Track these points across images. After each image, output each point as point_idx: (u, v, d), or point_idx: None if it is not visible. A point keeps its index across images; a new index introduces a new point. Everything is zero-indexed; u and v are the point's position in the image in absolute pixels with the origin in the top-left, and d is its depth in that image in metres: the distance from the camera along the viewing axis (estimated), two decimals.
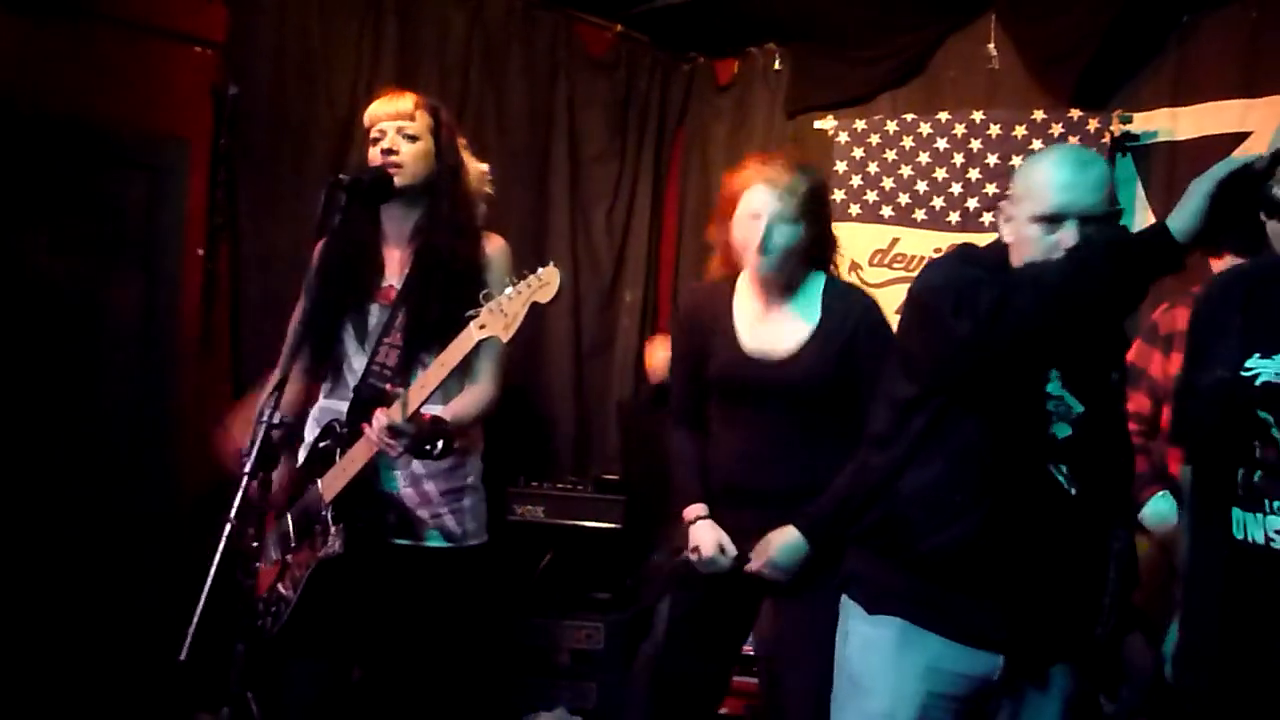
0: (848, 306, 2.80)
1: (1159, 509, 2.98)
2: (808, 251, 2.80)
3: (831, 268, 2.92)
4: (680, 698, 2.98)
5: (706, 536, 2.83)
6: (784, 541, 2.72)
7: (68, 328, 3.73)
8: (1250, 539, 1.97)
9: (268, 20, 4.08)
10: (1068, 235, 2.06)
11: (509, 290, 2.36)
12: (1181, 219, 1.84)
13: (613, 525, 4.36)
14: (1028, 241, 2.11)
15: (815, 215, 2.80)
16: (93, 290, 3.81)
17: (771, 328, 2.83)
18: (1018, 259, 2.15)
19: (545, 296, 2.34)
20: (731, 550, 2.81)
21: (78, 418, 3.75)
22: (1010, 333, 1.93)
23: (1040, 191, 2.10)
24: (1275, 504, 1.95)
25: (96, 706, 3.63)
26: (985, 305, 1.92)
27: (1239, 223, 1.86)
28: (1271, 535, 1.95)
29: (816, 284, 2.84)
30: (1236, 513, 1.99)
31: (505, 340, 2.38)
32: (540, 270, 2.36)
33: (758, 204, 2.74)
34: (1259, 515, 1.96)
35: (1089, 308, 1.94)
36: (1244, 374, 1.96)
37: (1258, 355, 1.96)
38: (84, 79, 3.67)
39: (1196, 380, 2.08)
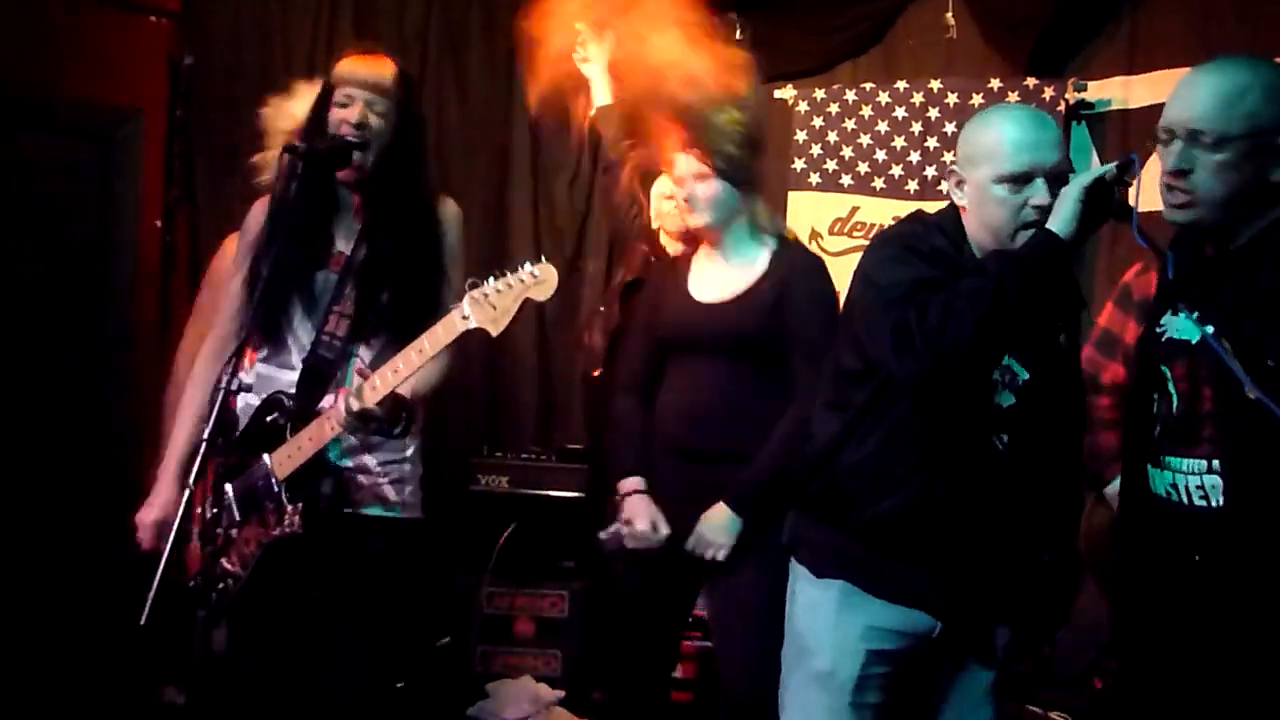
0: (791, 265, 2.85)
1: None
2: (741, 200, 2.84)
3: (787, 231, 2.95)
4: (633, 663, 3.03)
5: (641, 511, 2.86)
6: (716, 519, 2.76)
7: (21, 301, 3.70)
8: (1156, 493, 2.05)
9: None
10: (1037, 194, 2.10)
11: (496, 282, 2.24)
12: (1061, 223, 2.02)
13: (576, 494, 4.37)
14: (992, 202, 2.14)
15: (740, 166, 2.83)
16: (47, 264, 3.77)
17: (718, 277, 2.88)
18: (976, 222, 2.19)
19: (541, 294, 2.21)
20: (664, 529, 2.84)
21: (33, 392, 3.72)
22: (951, 363, 2.01)
23: (1002, 152, 2.12)
24: (1169, 459, 2.03)
25: (63, 684, 3.62)
26: (922, 342, 2.00)
27: (1102, 224, 2.07)
28: (1168, 490, 2.02)
29: (768, 244, 2.88)
30: (1150, 469, 2.07)
31: (494, 335, 2.26)
32: (534, 266, 2.21)
33: (679, 169, 2.81)
34: (1160, 470, 2.04)
35: (1013, 319, 2.04)
36: (1156, 329, 2.05)
37: (1169, 312, 2.04)
38: (37, 49, 3.63)
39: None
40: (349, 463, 2.55)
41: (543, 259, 2.23)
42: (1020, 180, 2.11)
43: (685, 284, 2.92)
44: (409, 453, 2.63)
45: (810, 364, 2.61)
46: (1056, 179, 2.11)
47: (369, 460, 2.56)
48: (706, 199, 2.81)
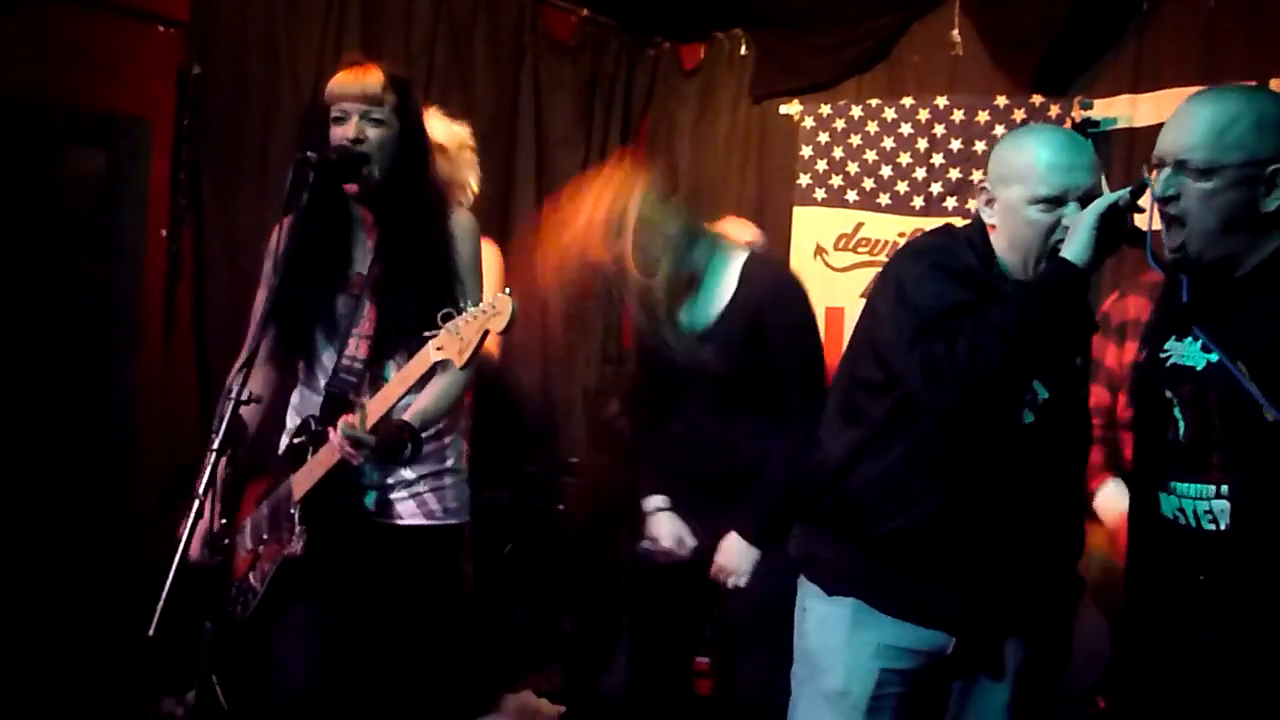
0: (758, 281, 2.81)
1: (1108, 495, 2.95)
2: (686, 239, 2.82)
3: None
4: (649, 676, 3.04)
5: (665, 528, 2.90)
6: (733, 550, 2.78)
7: (27, 311, 3.69)
8: (1164, 515, 2.05)
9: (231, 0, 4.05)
10: (1070, 216, 2.10)
11: (467, 313, 2.33)
12: (1077, 250, 2.03)
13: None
14: (1023, 223, 2.13)
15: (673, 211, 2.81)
16: (53, 273, 3.76)
17: (692, 305, 2.85)
18: (1005, 241, 2.18)
19: (497, 326, 2.30)
20: (690, 541, 2.88)
21: (37, 403, 3.71)
22: (980, 396, 2.02)
23: (1036, 173, 2.12)
24: (1174, 484, 2.03)
25: (60, 694, 3.61)
26: (951, 378, 1.99)
27: (1116, 249, 2.07)
28: (1175, 513, 2.02)
29: (733, 262, 2.85)
30: (1159, 493, 2.06)
31: (460, 366, 2.34)
32: (495, 298, 2.32)
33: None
34: (1166, 495, 2.04)
35: (1039, 349, 2.04)
36: (1161, 354, 2.05)
37: (1174, 338, 2.04)
38: (45, 57, 3.61)
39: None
40: (388, 478, 2.59)
41: (507, 291, 2.32)
42: (1053, 202, 2.10)
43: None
44: (449, 463, 2.67)
45: (802, 391, 2.69)
46: (1089, 201, 2.09)
47: (407, 473, 2.60)
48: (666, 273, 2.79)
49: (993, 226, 2.20)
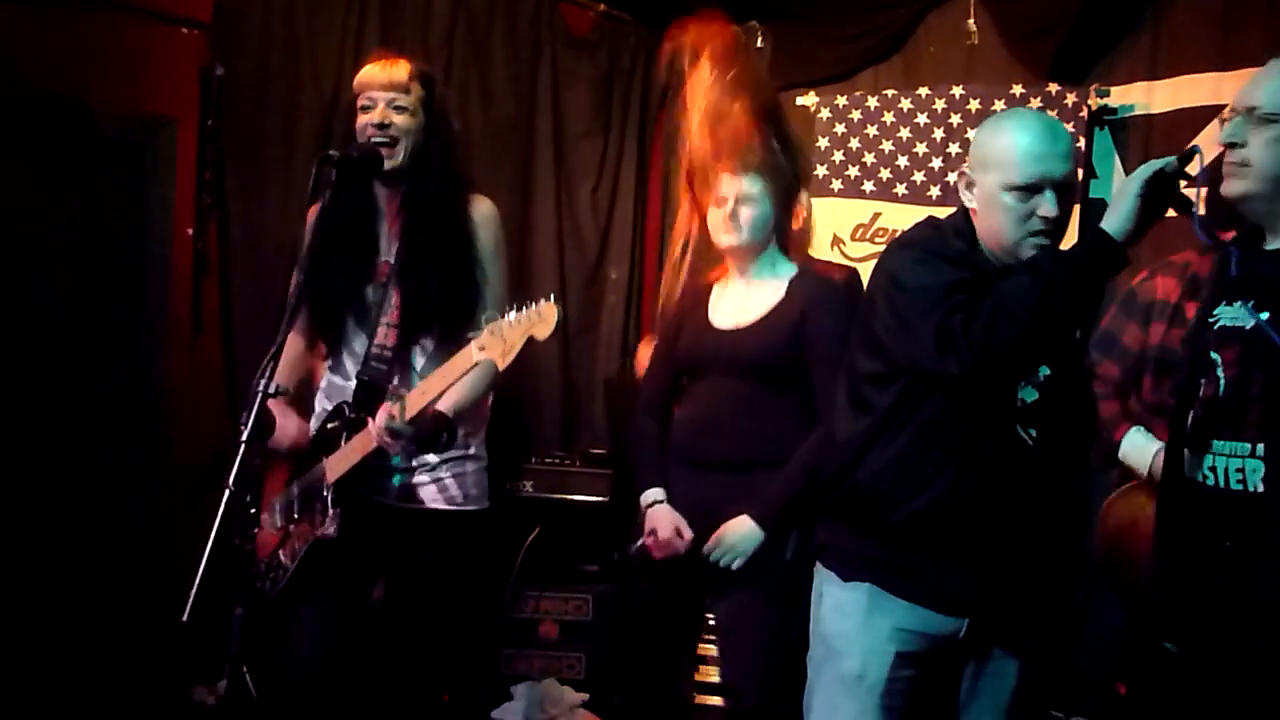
0: (808, 286, 2.93)
1: (1135, 442, 2.91)
2: (775, 225, 2.96)
3: (802, 257, 3.08)
4: (648, 670, 3.08)
5: (663, 520, 2.91)
6: (740, 529, 2.80)
7: (56, 310, 3.75)
8: (1192, 477, 2.07)
9: (254, 0, 4.10)
10: (1045, 205, 2.12)
11: (511, 315, 2.35)
12: (1117, 221, 2.01)
13: (600, 499, 4.42)
14: (1000, 209, 2.16)
15: (781, 190, 2.97)
16: (81, 272, 3.83)
17: (740, 302, 2.96)
18: (985, 226, 2.21)
19: (541, 333, 2.33)
20: (688, 534, 2.89)
21: (68, 400, 3.78)
22: (997, 365, 2.04)
23: (1012, 161, 2.13)
24: (1213, 442, 2.05)
25: (91, 683, 3.67)
26: (967, 346, 2.00)
27: (1159, 219, 2.04)
28: (1206, 473, 2.05)
29: (790, 270, 2.98)
30: (1186, 453, 2.08)
31: (501, 368, 2.37)
32: (541, 304, 2.34)
33: (725, 190, 2.91)
34: (1200, 455, 2.06)
35: (1061, 324, 2.06)
36: (1209, 319, 2.08)
37: (1224, 304, 2.07)
38: (70, 60, 3.67)
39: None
40: (412, 463, 2.66)
41: (551, 297, 2.34)
42: (1029, 190, 2.13)
43: (706, 312, 3.00)
44: (472, 449, 2.75)
45: (827, 396, 2.68)
46: (1065, 189, 2.13)
47: (431, 457, 2.67)
48: (747, 220, 2.90)
49: (974, 211, 2.23)
